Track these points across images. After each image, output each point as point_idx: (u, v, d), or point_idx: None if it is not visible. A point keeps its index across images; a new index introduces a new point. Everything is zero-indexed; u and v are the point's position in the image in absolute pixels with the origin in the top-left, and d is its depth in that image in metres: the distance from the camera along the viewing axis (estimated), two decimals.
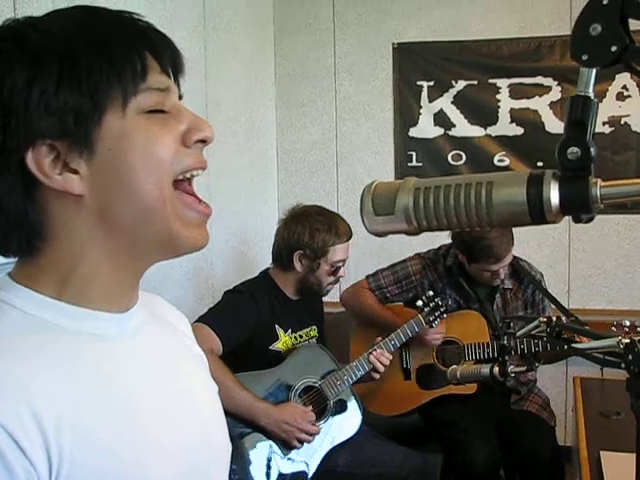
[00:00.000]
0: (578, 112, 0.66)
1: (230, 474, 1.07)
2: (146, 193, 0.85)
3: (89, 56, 0.81)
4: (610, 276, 4.05)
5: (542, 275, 3.28)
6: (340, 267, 2.83)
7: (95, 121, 0.82)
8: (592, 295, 4.07)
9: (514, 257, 3.10)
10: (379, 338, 2.88)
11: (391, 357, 2.84)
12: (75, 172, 0.83)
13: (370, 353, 2.79)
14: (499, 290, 3.17)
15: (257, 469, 2.47)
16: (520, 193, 0.67)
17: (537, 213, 0.67)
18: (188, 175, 0.89)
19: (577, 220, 0.67)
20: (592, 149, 0.65)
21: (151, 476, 0.86)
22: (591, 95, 0.66)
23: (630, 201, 0.66)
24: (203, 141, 0.89)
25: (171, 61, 0.89)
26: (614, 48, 0.64)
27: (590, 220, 0.68)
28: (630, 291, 4.00)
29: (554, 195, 0.66)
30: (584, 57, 0.65)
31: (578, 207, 0.66)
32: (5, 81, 0.80)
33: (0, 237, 0.86)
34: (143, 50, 0.85)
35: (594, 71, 0.66)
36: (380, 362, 2.77)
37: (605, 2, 0.64)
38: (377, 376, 2.81)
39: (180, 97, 0.91)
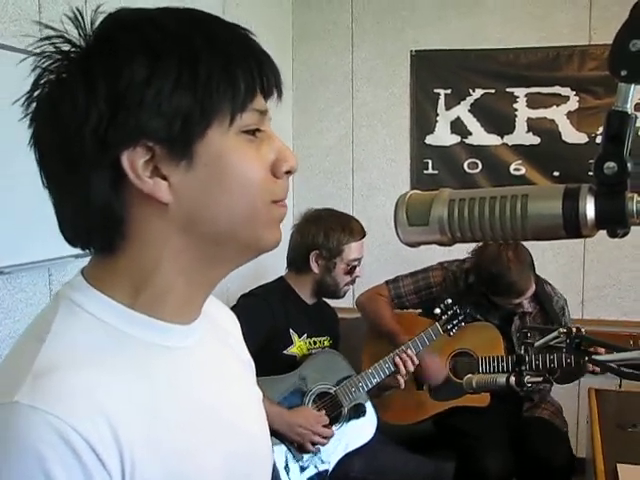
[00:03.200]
0: (615, 127, 0.67)
1: None
2: (238, 213, 0.85)
3: (209, 63, 0.80)
4: (625, 287, 4.04)
5: (565, 301, 3.24)
6: (356, 266, 2.84)
7: (200, 131, 0.81)
8: (606, 306, 4.05)
9: (538, 279, 3.08)
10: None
11: (417, 362, 2.84)
12: (165, 178, 0.82)
13: (396, 355, 2.79)
14: (518, 313, 3.14)
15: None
16: (556, 207, 0.68)
17: (572, 227, 0.67)
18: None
19: (612, 235, 0.67)
20: (629, 164, 0.66)
21: None
22: (629, 110, 0.66)
23: None
24: (289, 172, 0.90)
25: (275, 87, 0.88)
26: None
27: (625, 235, 0.68)
28: None
29: (590, 209, 0.66)
30: (623, 73, 0.65)
31: (614, 222, 0.66)
32: (124, 74, 0.78)
33: (84, 230, 0.85)
34: (255, 71, 0.84)
35: (632, 87, 0.66)
36: (405, 366, 2.77)
37: None
38: (402, 381, 2.80)
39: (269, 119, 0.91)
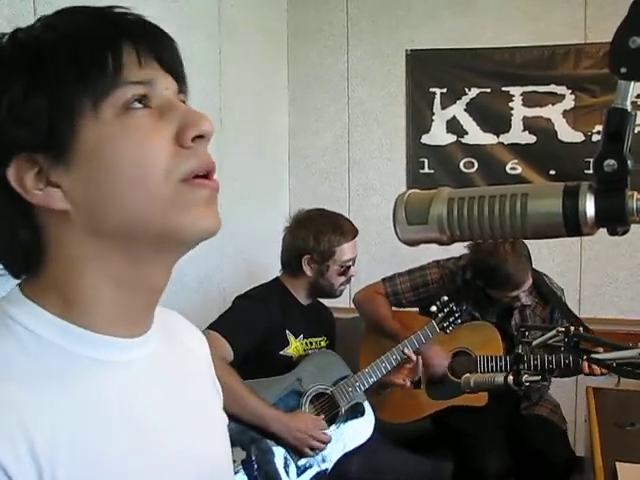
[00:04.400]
0: (615, 125, 0.66)
1: None
2: (136, 202, 0.78)
3: (54, 58, 0.76)
4: (622, 286, 4.04)
5: (562, 291, 3.26)
6: (350, 266, 2.83)
7: (68, 130, 0.77)
8: (603, 304, 4.06)
9: (534, 271, 3.08)
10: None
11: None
12: (57, 186, 0.78)
13: (398, 351, 2.82)
14: (517, 307, 3.14)
15: (270, 475, 2.47)
16: (556, 205, 0.67)
17: (572, 225, 0.67)
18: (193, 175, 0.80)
19: (612, 233, 0.67)
20: (629, 162, 0.65)
21: None
22: (628, 108, 0.66)
23: None
24: (201, 136, 0.80)
25: (157, 51, 0.80)
26: None
27: (625, 233, 0.68)
28: None
29: (590, 207, 0.66)
30: (622, 70, 0.65)
31: (614, 219, 0.66)
32: None
33: (4, 259, 0.84)
34: (118, 44, 0.77)
35: (632, 84, 0.66)
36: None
37: None
38: (407, 382, 2.84)
39: (182, 92, 0.85)
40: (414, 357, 2.84)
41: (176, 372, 0.95)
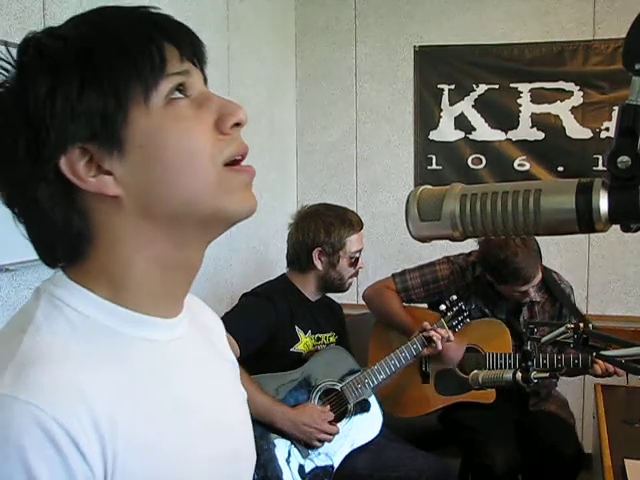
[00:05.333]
0: (629, 121, 0.66)
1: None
2: (187, 186, 0.84)
3: (106, 55, 0.81)
4: (630, 282, 4.03)
5: (571, 288, 3.25)
6: (358, 258, 2.85)
7: (121, 120, 0.81)
8: (611, 301, 4.05)
9: (544, 268, 3.08)
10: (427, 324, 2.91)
11: (452, 337, 2.92)
12: (109, 173, 0.83)
13: (425, 335, 2.86)
14: (527, 303, 3.13)
15: (278, 469, 2.48)
16: (569, 201, 0.67)
17: (586, 222, 0.67)
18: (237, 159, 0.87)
19: (626, 229, 0.67)
20: None
21: (194, 477, 0.87)
22: None
23: None
24: (238, 124, 0.87)
25: (191, 48, 0.86)
26: None
27: (638, 229, 0.68)
28: None
29: (603, 204, 0.66)
30: (637, 66, 0.65)
31: (628, 216, 0.66)
32: (29, 94, 0.80)
33: (47, 248, 0.87)
34: (160, 41, 0.83)
35: None
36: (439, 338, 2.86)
37: None
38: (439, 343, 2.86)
39: (205, 80, 0.89)
40: (451, 336, 2.90)
41: (204, 350, 1.02)
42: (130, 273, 0.87)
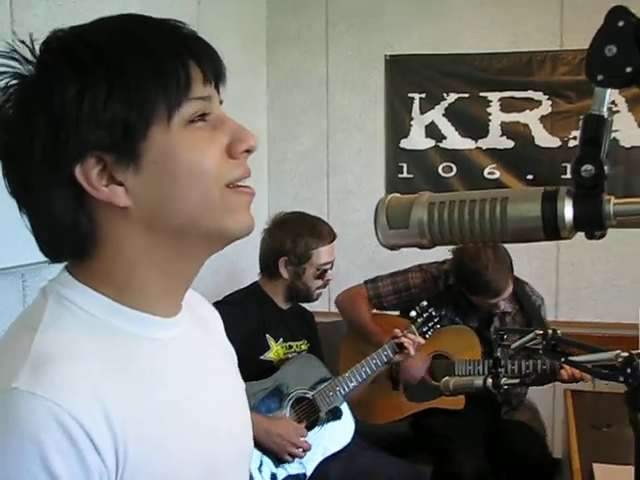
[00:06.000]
0: (592, 131, 0.68)
1: None
2: (193, 203, 0.87)
3: (136, 69, 0.83)
4: (598, 289, 4.07)
5: (542, 300, 3.29)
6: (327, 270, 2.84)
7: (141, 134, 0.83)
8: (580, 308, 4.09)
9: (517, 279, 3.11)
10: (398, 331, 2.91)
11: (422, 341, 2.90)
12: (120, 184, 0.85)
13: (402, 336, 2.84)
14: (498, 313, 3.17)
15: (250, 477, 2.47)
16: (535, 209, 0.69)
17: (551, 229, 0.69)
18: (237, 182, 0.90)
19: (590, 237, 0.69)
20: (606, 167, 0.67)
21: (194, 475, 0.90)
22: (605, 114, 0.68)
23: None
24: (248, 151, 0.90)
25: (214, 71, 0.89)
26: (629, 69, 0.65)
27: (602, 237, 0.69)
28: (618, 304, 4.02)
29: (568, 211, 0.68)
30: (599, 77, 0.67)
31: (591, 223, 0.68)
32: (56, 95, 0.81)
33: (53, 245, 0.89)
34: (187, 60, 0.85)
35: (608, 91, 0.67)
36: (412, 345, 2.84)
37: (621, 24, 0.65)
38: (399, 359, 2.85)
39: (220, 102, 0.92)
40: (422, 340, 2.88)
41: (204, 346, 1.05)
42: (133, 276, 0.90)
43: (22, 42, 0.84)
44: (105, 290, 0.89)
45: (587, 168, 0.67)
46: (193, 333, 1.01)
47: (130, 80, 0.82)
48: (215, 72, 0.89)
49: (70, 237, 0.86)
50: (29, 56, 0.84)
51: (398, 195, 0.79)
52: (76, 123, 0.81)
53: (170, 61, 0.84)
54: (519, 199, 0.70)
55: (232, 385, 1.10)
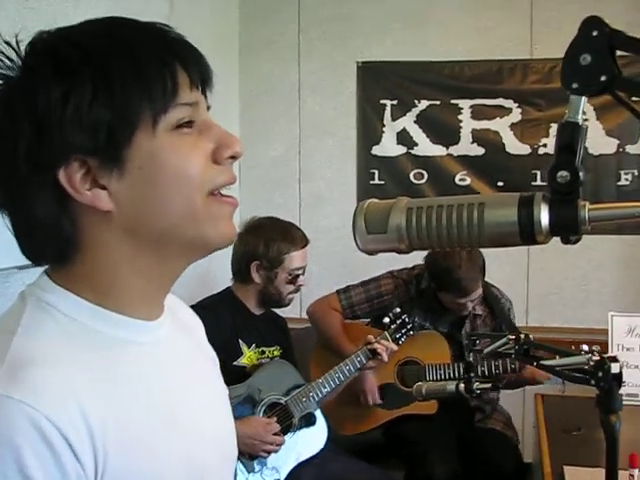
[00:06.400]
0: (567, 137, 0.69)
1: None
2: (176, 210, 0.86)
3: (122, 72, 0.82)
4: (567, 295, 4.13)
5: (511, 303, 3.32)
6: (299, 275, 2.84)
7: (126, 138, 0.83)
8: (550, 313, 4.14)
9: (486, 283, 3.14)
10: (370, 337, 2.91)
11: (395, 348, 2.90)
12: (104, 188, 0.84)
13: (376, 342, 2.84)
14: (469, 316, 3.20)
15: None
16: (511, 214, 0.70)
17: (527, 234, 0.70)
18: (220, 190, 0.90)
19: (565, 241, 0.70)
20: (581, 173, 0.68)
21: (180, 475, 0.90)
22: (580, 121, 0.69)
23: (616, 224, 0.70)
24: (233, 157, 0.90)
25: (201, 75, 0.89)
26: (603, 78, 0.67)
27: (577, 241, 0.71)
28: (586, 310, 4.08)
29: (544, 217, 0.69)
30: (574, 85, 0.68)
31: (567, 228, 0.69)
32: (40, 97, 0.80)
33: (35, 247, 0.88)
34: (174, 65, 0.85)
35: (583, 99, 0.69)
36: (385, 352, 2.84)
37: (595, 34, 0.67)
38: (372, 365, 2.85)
39: (208, 108, 0.92)
40: (395, 347, 2.89)
41: (187, 349, 1.05)
42: (114, 280, 0.89)
43: (7, 43, 0.83)
44: (86, 294, 0.88)
45: (563, 174, 0.68)
46: (177, 337, 1.01)
47: (115, 84, 0.82)
48: (202, 77, 0.89)
49: (52, 240, 0.85)
50: (14, 57, 0.84)
51: (376, 200, 0.79)
52: (60, 125, 0.80)
53: (156, 66, 0.84)
54: (496, 204, 0.71)
55: (216, 390, 1.10)
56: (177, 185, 0.85)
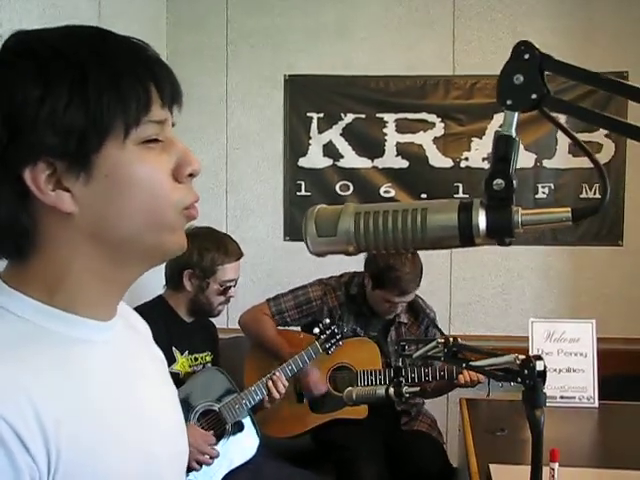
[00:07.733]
0: (502, 149, 0.76)
1: None
2: (139, 219, 0.89)
3: (99, 81, 0.84)
4: (488, 303, 4.26)
5: (435, 313, 3.43)
6: (230, 287, 2.87)
7: (95, 146, 0.85)
8: (472, 322, 4.26)
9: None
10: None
11: (287, 384, 2.90)
12: (68, 190, 0.85)
13: (269, 378, 2.84)
14: (394, 324, 3.29)
15: None
16: (452, 219, 0.77)
17: (466, 237, 0.77)
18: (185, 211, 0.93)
19: (501, 243, 0.77)
20: (514, 181, 0.75)
21: (133, 474, 0.91)
22: (513, 134, 0.76)
23: (545, 228, 0.77)
24: (191, 175, 0.93)
25: (171, 95, 0.91)
26: (534, 96, 0.75)
27: (511, 243, 0.78)
28: (506, 318, 4.23)
29: (482, 221, 0.76)
30: (508, 102, 0.76)
31: (502, 232, 0.76)
32: (17, 95, 0.82)
33: None
34: (148, 82, 0.87)
35: (516, 114, 0.76)
36: (277, 389, 2.82)
37: (526, 57, 0.75)
38: (268, 406, 2.86)
39: (173, 124, 0.94)
40: (285, 382, 2.90)
41: (138, 350, 1.08)
42: (69, 280, 0.90)
43: None
44: (40, 294, 0.89)
45: (498, 182, 0.75)
46: (127, 337, 1.03)
47: (92, 92, 0.83)
48: (172, 97, 0.92)
49: (8, 233, 0.86)
50: None
51: (325, 206, 0.85)
52: (34, 125, 0.82)
53: (132, 81, 0.86)
54: (438, 210, 0.78)
55: (166, 389, 1.12)
56: (141, 196, 0.88)
